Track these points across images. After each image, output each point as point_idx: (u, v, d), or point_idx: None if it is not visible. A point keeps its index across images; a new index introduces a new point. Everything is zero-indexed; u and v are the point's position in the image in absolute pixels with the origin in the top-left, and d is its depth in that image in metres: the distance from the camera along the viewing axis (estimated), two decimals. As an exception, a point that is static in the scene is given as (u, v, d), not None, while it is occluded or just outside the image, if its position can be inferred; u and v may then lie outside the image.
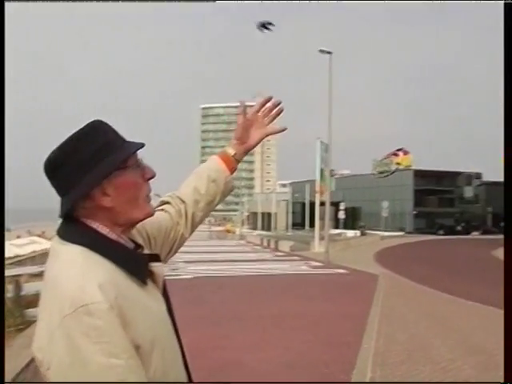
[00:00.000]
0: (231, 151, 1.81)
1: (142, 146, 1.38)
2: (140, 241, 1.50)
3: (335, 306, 11.88)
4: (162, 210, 1.73)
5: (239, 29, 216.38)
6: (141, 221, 1.44)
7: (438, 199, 64.73)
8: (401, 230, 56.70)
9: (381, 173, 63.24)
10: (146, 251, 1.47)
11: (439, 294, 13.86)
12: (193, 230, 1.77)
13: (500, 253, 28.84)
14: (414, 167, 61.20)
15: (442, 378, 6.53)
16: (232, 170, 1.81)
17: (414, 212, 60.83)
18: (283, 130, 1.87)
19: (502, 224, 61.48)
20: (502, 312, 10.87)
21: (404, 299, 13.12)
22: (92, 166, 1.31)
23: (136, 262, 1.35)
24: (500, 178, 64.46)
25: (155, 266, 1.41)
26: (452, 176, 66.35)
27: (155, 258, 1.44)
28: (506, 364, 2.95)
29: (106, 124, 1.38)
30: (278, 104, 1.82)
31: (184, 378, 1.44)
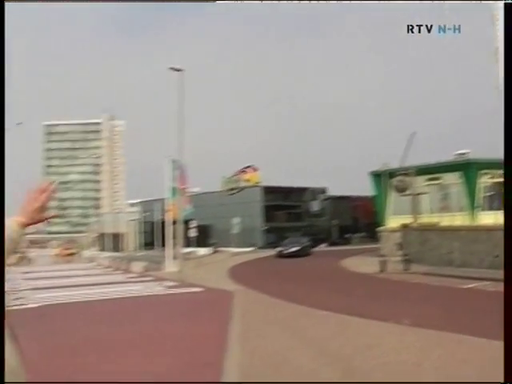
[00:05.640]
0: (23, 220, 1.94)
1: None
2: None
3: (193, 326, 11.65)
4: None
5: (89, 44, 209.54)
6: None
7: (286, 214, 67.06)
8: (252, 245, 57.89)
9: (230, 190, 64.35)
10: None
11: (295, 306, 14.18)
12: None
13: (347, 263, 30.52)
14: (262, 184, 62.98)
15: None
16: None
17: (264, 227, 62.46)
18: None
19: (347, 235, 65.33)
20: (354, 319, 11.31)
21: (261, 314, 13.26)
22: None
23: None
24: (344, 192, 68.70)
25: None
26: (299, 191, 69.16)
27: None
28: (506, 364, 2.95)
29: None
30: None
31: None
